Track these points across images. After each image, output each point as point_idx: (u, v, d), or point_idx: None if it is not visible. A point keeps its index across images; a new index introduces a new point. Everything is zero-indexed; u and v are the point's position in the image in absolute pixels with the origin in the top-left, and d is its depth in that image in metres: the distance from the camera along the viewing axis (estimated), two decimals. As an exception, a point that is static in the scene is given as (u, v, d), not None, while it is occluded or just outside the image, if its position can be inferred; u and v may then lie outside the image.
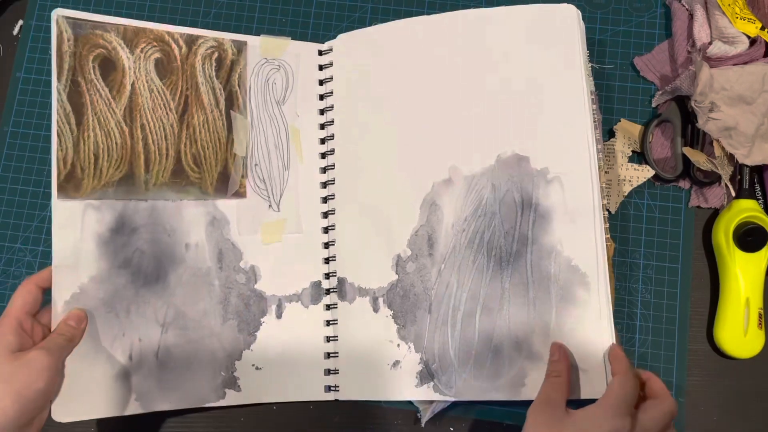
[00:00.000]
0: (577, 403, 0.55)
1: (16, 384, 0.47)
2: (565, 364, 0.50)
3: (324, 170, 0.60)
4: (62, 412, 0.52)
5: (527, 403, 0.55)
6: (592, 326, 0.52)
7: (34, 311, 0.52)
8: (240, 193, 0.58)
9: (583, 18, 0.57)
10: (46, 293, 0.53)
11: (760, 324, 0.55)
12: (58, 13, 0.55)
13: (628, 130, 0.59)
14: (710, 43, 0.57)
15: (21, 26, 0.67)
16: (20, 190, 0.62)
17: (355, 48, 0.60)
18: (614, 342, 0.51)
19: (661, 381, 0.48)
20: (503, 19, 0.57)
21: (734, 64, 0.57)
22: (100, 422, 0.58)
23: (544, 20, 0.56)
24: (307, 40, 0.63)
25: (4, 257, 0.61)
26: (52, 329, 0.52)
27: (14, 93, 0.64)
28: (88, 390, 0.53)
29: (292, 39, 0.61)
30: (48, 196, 0.62)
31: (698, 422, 0.55)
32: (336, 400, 0.57)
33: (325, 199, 0.60)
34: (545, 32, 0.56)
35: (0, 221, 0.62)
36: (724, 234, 0.55)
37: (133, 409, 0.54)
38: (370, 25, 0.62)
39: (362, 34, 0.61)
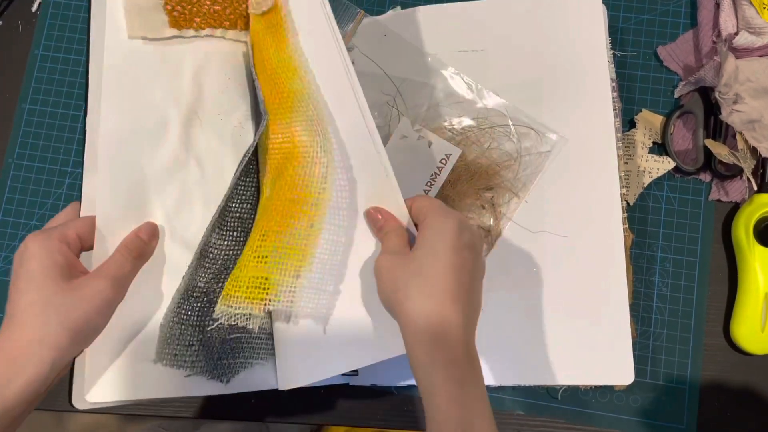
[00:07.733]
0: (600, 391, 0.55)
1: (73, 320, 0.42)
2: (394, 222, 0.47)
3: None
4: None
5: (539, 394, 0.55)
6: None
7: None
8: None
9: (607, 5, 0.56)
10: None
11: (778, 320, 0.54)
12: None
13: (650, 121, 0.58)
14: (736, 34, 0.56)
15: (40, 3, 0.66)
16: (37, 167, 0.62)
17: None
18: None
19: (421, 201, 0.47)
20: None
21: (761, 56, 0.56)
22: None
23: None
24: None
25: (20, 233, 0.61)
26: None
27: (32, 70, 0.64)
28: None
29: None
30: (64, 174, 0.62)
31: (712, 417, 0.55)
32: (347, 385, 0.57)
33: None
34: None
35: (17, 198, 0.62)
36: (744, 228, 0.55)
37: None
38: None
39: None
